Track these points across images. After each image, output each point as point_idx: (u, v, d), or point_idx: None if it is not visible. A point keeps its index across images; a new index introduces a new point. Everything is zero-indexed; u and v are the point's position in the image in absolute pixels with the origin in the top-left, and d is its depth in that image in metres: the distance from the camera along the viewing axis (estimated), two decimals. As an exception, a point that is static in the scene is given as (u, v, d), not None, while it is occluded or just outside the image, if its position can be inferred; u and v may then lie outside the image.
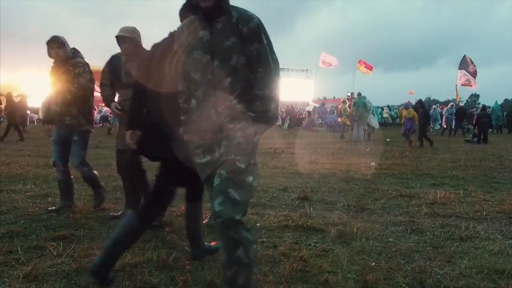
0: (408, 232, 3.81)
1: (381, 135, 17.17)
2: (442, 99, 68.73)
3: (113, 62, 4.01)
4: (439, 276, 2.80)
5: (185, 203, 3.08)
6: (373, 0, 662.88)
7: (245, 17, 2.03)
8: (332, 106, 27.43)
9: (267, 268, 2.86)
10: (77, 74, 4.10)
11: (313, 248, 3.32)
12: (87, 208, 4.36)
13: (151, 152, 2.64)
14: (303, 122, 28.59)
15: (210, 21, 2.03)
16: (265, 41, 2.03)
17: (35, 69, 24.81)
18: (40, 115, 22.26)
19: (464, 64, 24.85)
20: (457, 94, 25.92)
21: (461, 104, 24.58)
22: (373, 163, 8.50)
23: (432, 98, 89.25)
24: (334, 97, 37.80)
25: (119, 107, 3.89)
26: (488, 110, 20.70)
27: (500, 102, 30.92)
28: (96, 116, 23.39)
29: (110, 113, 5.12)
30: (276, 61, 2.09)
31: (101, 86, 4.04)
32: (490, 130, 19.89)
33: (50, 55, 4.15)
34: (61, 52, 4.10)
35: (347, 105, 18.07)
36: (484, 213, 4.53)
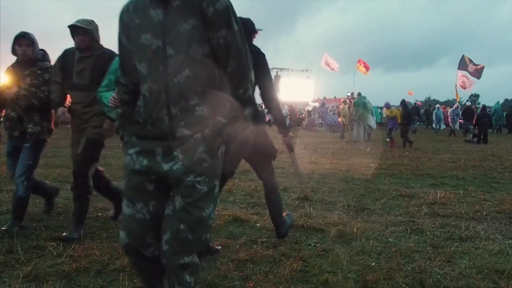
0: (408, 232, 3.81)
1: (381, 135, 17.16)
2: (442, 99, 68.85)
3: (66, 58, 3.50)
4: (439, 276, 2.80)
5: None
6: (375, 0, 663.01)
7: None
8: (332, 106, 27.43)
9: (267, 268, 2.86)
10: (47, 80, 3.56)
11: (313, 248, 3.32)
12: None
13: None
14: (303, 122, 28.60)
15: None
16: (236, 27, 1.59)
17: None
18: None
19: (463, 64, 24.82)
20: (457, 94, 25.93)
21: (458, 104, 24.53)
22: (372, 165, 8.50)
23: (432, 98, 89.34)
24: (335, 97, 37.77)
25: (67, 114, 3.45)
26: (488, 110, 20.68)
27: (500, 102, 30.91)
28: None
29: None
30: (249, 54, 1.67)
31: (50, 85, 3.53)
32: (490, 130, 19.87)
33: (14, 52, 3.59)
34: (30, 51, 3.56)
35: (347, 105, 18.09)
36: (484, 213, 4.53)
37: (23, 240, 3.34)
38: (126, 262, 2.82)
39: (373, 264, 3.00)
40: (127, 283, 2.57)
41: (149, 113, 1.61)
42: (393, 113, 14.24)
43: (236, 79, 1.63)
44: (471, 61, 24.80)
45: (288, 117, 27.32)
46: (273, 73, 27.77)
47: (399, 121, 13.94)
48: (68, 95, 3.56)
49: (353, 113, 15.62)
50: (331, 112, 24.89)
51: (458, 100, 25.62)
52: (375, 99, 15.68)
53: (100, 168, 3.81)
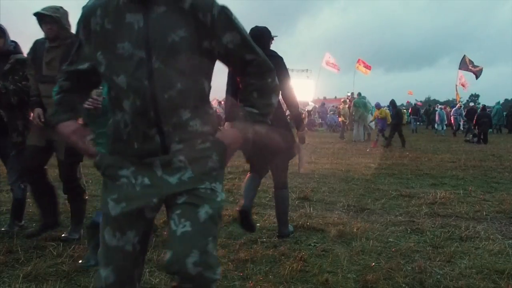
0: (408, 232, 3.81)
1: (381, 135, 17.14)
2: (442, 99, 68.86)
3: (36, 49, 3.25)
4: (439, 276, 2.80)
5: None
6: (376, 0, 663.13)
7: (204, 2, 1.40)
8: (332, 106, 27.42)
9: (267, 268, 2.87)
10: (25, 75, 3.31)
11: (313, 248, 3.32)
12: (86, 208, 4.35)
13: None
14: (303, 122, 28.60)
15: (146, 1, 1.37)
16: (238, 25, 1.45)
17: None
18: None
19: (464, 64, 24.86)
20: (457, 94, 25.94)
21: (461, 104, 24.53)
22: (372, 164, 8.50)
23: (432, 98, 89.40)
24: (335, 97, 37.75)
25: (41, 118, 3.15)
26: (488, 110, 20.65)
27: (500, 102, 30.92)
28: None
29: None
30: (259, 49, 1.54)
31: (27, 80, 3.30)
32: (490, 130, 19.86)
33: None
34: (1, 42, 3.35)
35: (347, 105, 18.10)
36: (484, 213, 4.53)
37: (23, 240, 3.34)
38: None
39: (373, 264, 3.00)
40: (127, 283, 2.57)
41: (135, 131, 1.41)
42: (382, 113, 14.25)
43: (262, 68, 1.50)
44: (471, 62, 24.83)
45: (289, 117, 27.30)
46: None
47: (389, 121, 13.97)
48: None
49: (353, 113, 15.62)
50: (331, 112, 24.90)
51: (458, 100, 25.60)
52: (375, 99, 15.66)
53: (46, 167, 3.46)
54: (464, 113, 20.70)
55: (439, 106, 25.37)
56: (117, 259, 1.46)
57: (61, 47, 3.13)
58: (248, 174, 3.62)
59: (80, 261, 2.89)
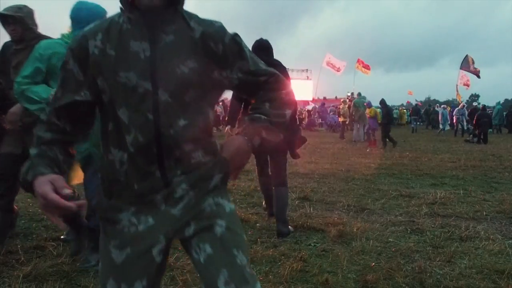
0: (408, 232, 3.81)
1: (380, 135, 17.14)
2: (442, 99, 68.86)
3: (4, 52, 3.06)
4: (439, 276, 2.80)
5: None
6: (377, 0, 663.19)
7: (216, 30, 1.31)
8: (332, 106, 27.44)
9: (267, 268, 2.87)
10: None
11: (313, 248, 3.32)
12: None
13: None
14: (303, 122, 28.62)
15: (153, 28, 1.26)
16: (246, 51, 1.37)
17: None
18: None
19: (466, 64, 24.87)
20: (457, 94, 25.93)
21: (464, 104, 24.52)
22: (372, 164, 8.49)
23: (432, 98, 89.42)
24: (336, 97, 37.76)
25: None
26: (488, 110, 20.63)
27: (500, 102, 30.93)
28: None
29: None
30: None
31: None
32: (490, 130, 19.85)
33: None
34: None
35: (347, 105, 18.11)
36: (484, 213, 4.53)
37: (23, 240, 3.34)
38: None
39: (373, 264, 3.00)
40: (127, 283, 2.57)
41: (133, 169, 1.28)
42: (371, 113, 14.22)
43: (276, 85, 1.42)
44: (473, 61, 24.86)
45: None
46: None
47: (379, 121, 13.95)
48: None
49: (353, 113, 15.63)
50: (331, 112, 24.92)
51: (459, 99, 25.59)
52: (375, 99, 15.66)
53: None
54: (467, 113, 20.69)
55: (442, 106, 25.31)
56: None
57: (28, 48, 2.83)
58: (259, 178, 4.02)
59: (79, 264, 2.86)
